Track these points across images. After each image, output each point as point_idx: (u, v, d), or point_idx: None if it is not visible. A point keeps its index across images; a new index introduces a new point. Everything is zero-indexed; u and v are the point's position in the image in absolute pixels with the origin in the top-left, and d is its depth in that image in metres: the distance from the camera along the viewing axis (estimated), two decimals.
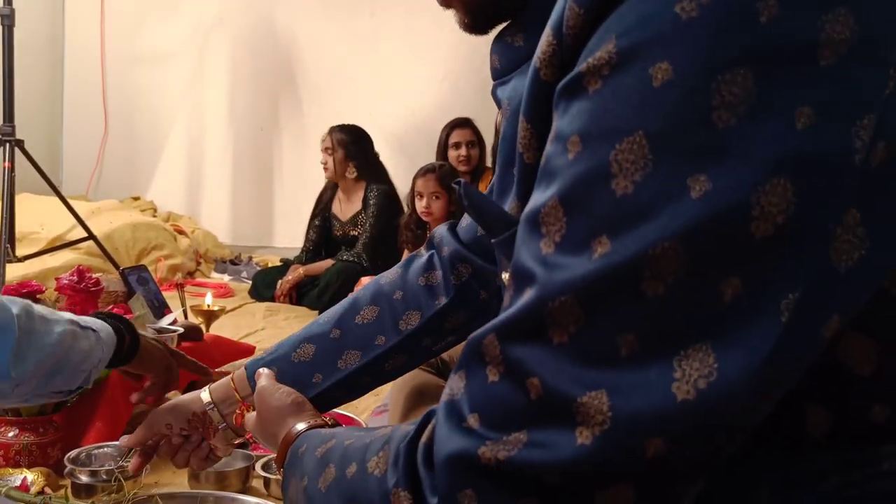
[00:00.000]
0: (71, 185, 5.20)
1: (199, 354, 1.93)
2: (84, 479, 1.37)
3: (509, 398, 0.50)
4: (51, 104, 5.56)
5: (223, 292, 3.91)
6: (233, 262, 4.66)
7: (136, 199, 5.34)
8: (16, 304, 1.05)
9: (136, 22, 5.53)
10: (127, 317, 1.81)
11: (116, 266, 3.24)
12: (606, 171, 0.46)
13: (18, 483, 1.31)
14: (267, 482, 1.44)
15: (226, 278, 4.46)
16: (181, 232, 4.77)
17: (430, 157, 3.98)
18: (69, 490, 1.36)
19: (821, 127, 0.43)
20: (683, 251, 0.44)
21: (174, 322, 1.98)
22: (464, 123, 3.97)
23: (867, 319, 0.49)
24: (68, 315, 1.13)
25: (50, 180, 3.46)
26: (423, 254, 1.14)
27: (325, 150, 3.94)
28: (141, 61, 5.50)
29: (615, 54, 0.46)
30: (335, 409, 1.59)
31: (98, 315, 1.20)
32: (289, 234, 4.33)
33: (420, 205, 3.39)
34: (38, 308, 1.08)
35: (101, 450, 1.47)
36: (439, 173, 3.38)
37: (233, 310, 3.51)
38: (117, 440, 1.51)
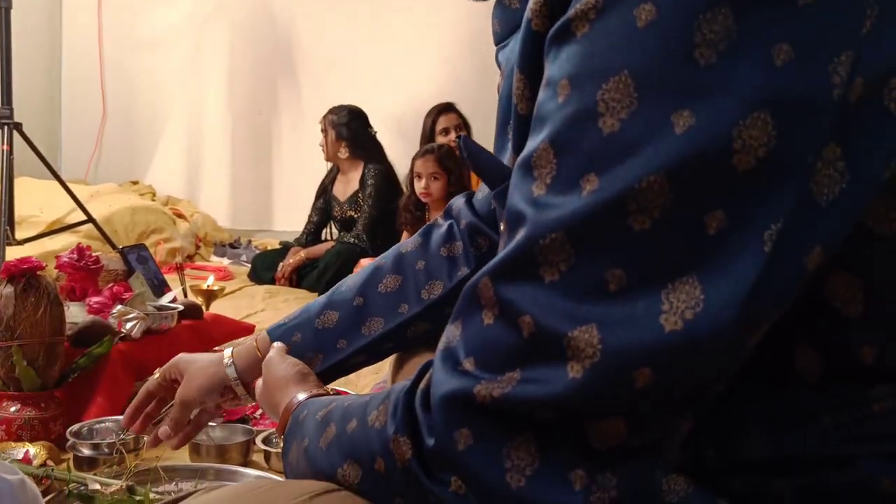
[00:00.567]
0: (69, 169, 5.19)
1: (199, 333, 1.95)
2: (86, 452, 1.38)
3: (503, 339, 0.51)
4: (49, 88, 5.55)
5: (222, 275, 3.91)
6: (232, 246, 4.67)
7: (135, 183, 5.33)
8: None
9: (134, 5, 5.51)
10: (126, 295, 1.83)
11: (115, 247, 3.24)
12: (594, 111, 0.47)
13: (21, 456, 1.32)
14: (268, 455, 1.45)
15: (225, 262, 4.47)
16: (180, 216, 4.78)
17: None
18: (71, 463, 1.37)
19: (799, 63, 0.44)
20: (668, 185, 0.45)
21: (174, 300, 1.98)
22: (448, 108, 3.97)
23: (852, 259, 0.51)
24: None
25: (49, 163, 3.46)
26: (442, 223, 1.14)
27: (322, 133, 3.99)
28: (139, 45, 5.48)
29: None
30: (335, 386, 1.60)
31: None
32: (288, 217, 4.33)
33: (419, 186, 3.39)
34: None
35: (102, 424, 1.48)
36: (438, 154, 3.39)
37: (232, 292, 3.52)
38: (119, 414, 1.54)
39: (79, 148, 5.56)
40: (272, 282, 3.79)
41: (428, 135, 3.95)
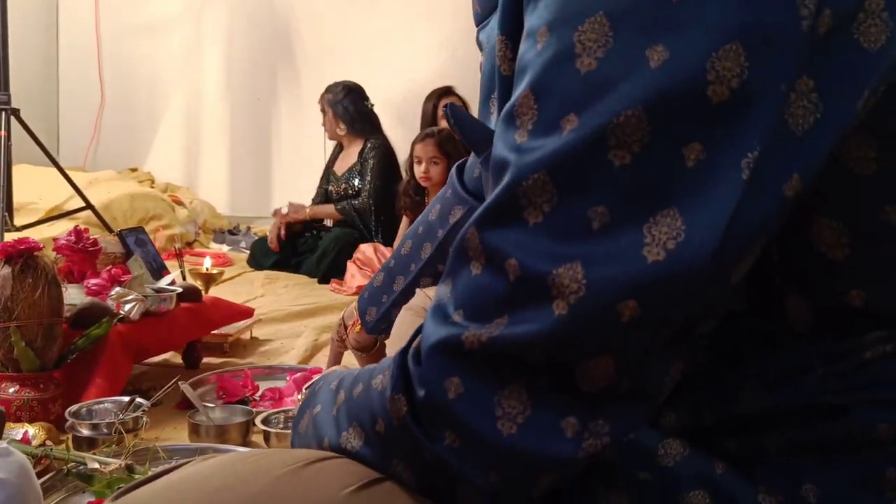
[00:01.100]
0: (68, 156, 5.17)
1: (198, 316, 1.94)
2: (85, 432, 1.38)
3: (491, 287, 0.51)
4: (46, 75, 5.52)
5: (222, 262, 3.90)
6: (231, 233, 4.66)
7: (134, 170, 5.32)
8: None
9: None
10: (125, 277, 1.82)
11: (112, 232, 3.24)
12: (571, 52, 0.49)
13: (20, 437, 1.32)
14: (267, 436, 1.45)
15: (224, 248, 4.46)
16: (179, 202, 4.77)
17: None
18: (70, 443, 1.36)
19: None
20: (646, 118, 0.46)
21: (172, 283, 1.98)
22: (448, 92, 3.96)
23: (836, 203, 0.51)
24: None
25: (47, 150, 3.45)
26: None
27: (321, 112, 4.01)
28: (136, 30, 5.46)
29: None
30: None
31: None
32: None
33: (419, 170, 3.38)
34: None
35: (101, 405, 1.48)
36: (438, 138, 3.37)
37: (231, 278, 3.52)
38: (118, 395, 1.54)
39: (77, 135, 5.54)
40: (271, 267, 3.78)
41: (430, 119, 3.93)
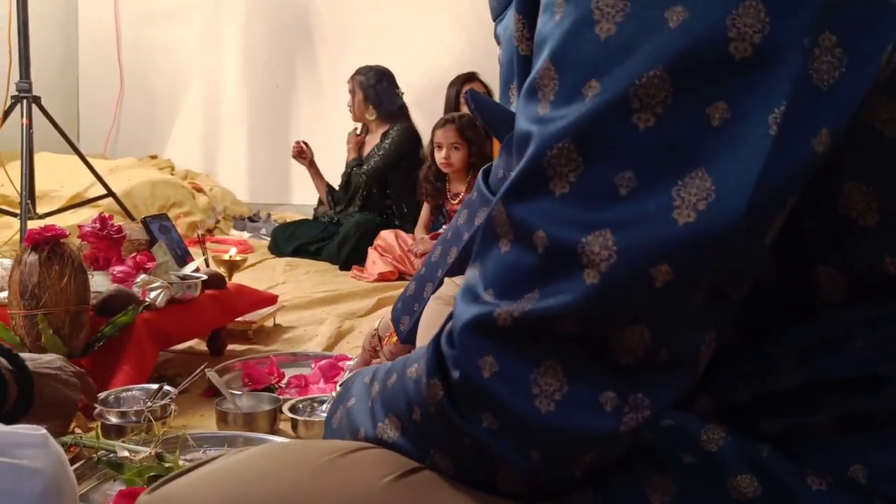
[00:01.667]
0: (88, 143, 5.17)
1: (223, 303, 1.93)
2: (113, 420, 1.37)
3: (520, 261, 0.50)
4: (66, 62, 5.53)
5: (243, 248, 3.90)
6: (251, 220, 4.66)
7: (154, 157, 5.32)
8: None
9: None
10: (149, 264, 1.81)
11: (134, 220, 3.24)
12: (590, 19, 0.48)
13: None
14: (294, 424, 1.44)
15: (245, 235, 4.47)
16: (199, 190, 4.77)
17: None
18: (99, 431, 1.36)
19: None
20: (668, 78, 0.46)
21: (197, 270, 1.97)
22: (472, 78, 3.91)
23: (864, 167, 0.51)
24: None
25: (68, 137, 3.45)
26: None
27: (350, 93, 3.93)
28: (155, 17, 5.44)
29: None
30: None
31: None
32: (306, 190, 4.29)
33: (439, 156, 3.36)
34: None
35: (129, 392, 1.47)
36: (458, 124, 3.34)
37: (253, 265, 3.51)
38: (145, 383, 1.53)
39: (97, 122, 5.55)
40: (292, 254, 3.78)
41: (452, 105, 3.90)
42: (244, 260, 2.37)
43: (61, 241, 1.49)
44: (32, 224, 3.02)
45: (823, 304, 0.53)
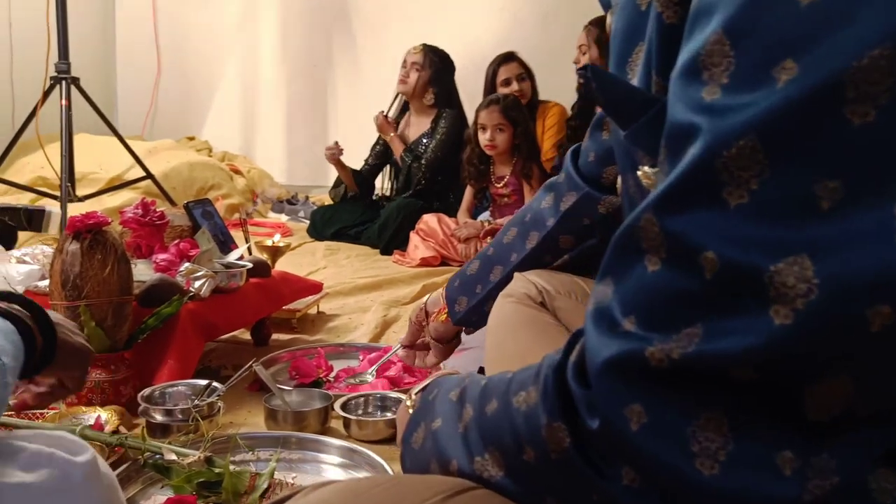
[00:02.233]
0: (126, 125, 5.15)
1: (268, 292, 1.86)
2: (159, 418, 1.31)
3: (675, 286, 0.40)
4: (104, 43, 5.50)
5: (281, 232, 3.85)
6: (290, 202, 4.60)
7: (192, 139, 5.29)
8: None
9: None
10: (193, 252, 1.74)
11: (174, 203, 3.19)
12: None
13: (92, 422, 1.26)
14: (347, 423, 1.36)
15: (283, 218, 4.41)
16: (237, 171, 4.72)
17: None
18: (144, 429, 1.30)
19: None
20: None
21: (241, 258, 1.90)
22: (510, 58, 3.77)
23: None
24: None
25: (107, 118, 3.41)
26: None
27: (413, 64, 3.76)
28: None
29: None
30: None
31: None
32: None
33: (483, 137, 3.25)
34: None
35: (174, 388, 1.41)
36: (503, 105, 3.23)
37: (292, 249, 3.45)
38: (190, 378, 1.47)
39: (135, 104, 5.53)
40: (332, 237, 3.72)
41: (489, 86, 3.78)
42: (288, 245, 2.30)
43: (104, 228, 1.42)
44: (71, 206, 2.99)
45: None
